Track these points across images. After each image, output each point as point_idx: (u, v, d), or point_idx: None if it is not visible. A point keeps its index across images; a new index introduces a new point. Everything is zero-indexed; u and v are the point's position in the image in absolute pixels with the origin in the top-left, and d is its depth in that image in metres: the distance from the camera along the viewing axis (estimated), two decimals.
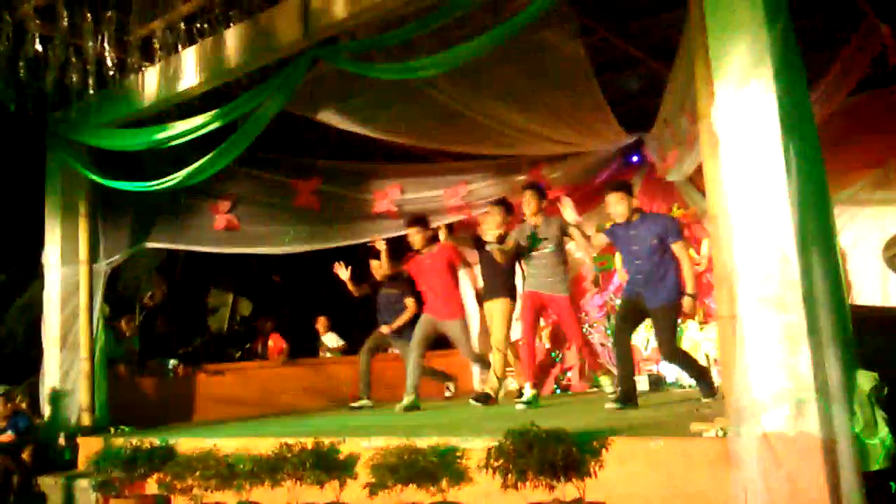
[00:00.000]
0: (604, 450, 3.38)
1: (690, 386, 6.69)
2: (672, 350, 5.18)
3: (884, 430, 2.92)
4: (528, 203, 6.01)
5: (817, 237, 3.14)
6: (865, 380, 2.99)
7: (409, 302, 7.18)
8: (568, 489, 3.37)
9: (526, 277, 6.07)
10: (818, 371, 2.95)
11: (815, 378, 2.94)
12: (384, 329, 7.22)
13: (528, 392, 5.80)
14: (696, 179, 7.37)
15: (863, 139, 7.09)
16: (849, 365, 3.02)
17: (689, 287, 5.02)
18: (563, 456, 3.30)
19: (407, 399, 6.29)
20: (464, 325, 6.66)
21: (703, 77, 3.51)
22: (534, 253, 5.94)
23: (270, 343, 9.06)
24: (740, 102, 3.30)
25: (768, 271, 3.11)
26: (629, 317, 5.26)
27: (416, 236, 6.73)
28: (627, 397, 5.04)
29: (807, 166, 3.20)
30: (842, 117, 6.68)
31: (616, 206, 5.18)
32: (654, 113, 6.66)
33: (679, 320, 5.64)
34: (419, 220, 6.87)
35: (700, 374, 5.23)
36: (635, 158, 8.38)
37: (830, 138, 6.13)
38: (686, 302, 5.01)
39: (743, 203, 3.24)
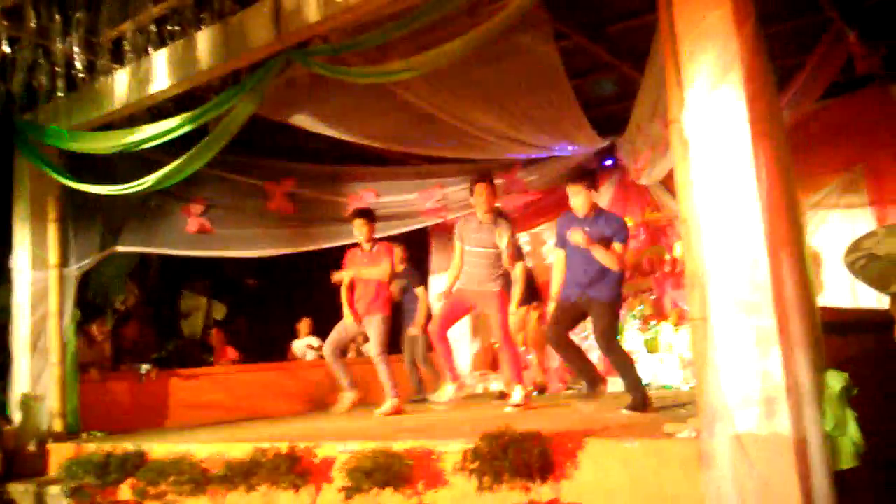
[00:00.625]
0: (579, 451, 3.42)
1: (665, 387, 6.77)
2: (609, 345, 5.01)
3: (853, 429, 2.96)
4: (480, 196, 5.92)
5: (787, 240, 3.19)
6: (836, 380, 3.04)
7: (420, 292, 7.13)
8: (543, 490, 3.40)
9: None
10: (789, 372, 2.99)
11: (785, 379, 2.98)
12: (412, 331, 7.39)
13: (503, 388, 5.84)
14: (668, 183, 7.46)
15: (832, 144, 7.22)
16: (819, 365, 3.07)
17: (613, 265, 4.91)
18: (539, 458, 3.33)
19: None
20: (384, 321, 6.41)
21: (673, 82, 3.54)
22: (471, 249, 5.94)
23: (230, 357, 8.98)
24: (710, 107, 3.34)
25: (739, 274, 3.15)
26: (567, 319, 5.08)
27: (362, 228, 6.51)
28: (594, 384, 5.09)
29: (776, 170, 3.24)
30: (811, 122, 6.81)
31: (574, 198, 5.04)
32: (626, 117, 6.72)
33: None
34: (366, 212, 6.70)
35: (632, 380, 4.98)
36: (609, 162, 8.46)
37: (800, 143, 6.23)
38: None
39: (713, 206, 3.28)
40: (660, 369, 7.03)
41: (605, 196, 8.59)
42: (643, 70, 5.74)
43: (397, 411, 6.19)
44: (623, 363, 5.05)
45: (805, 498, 2.83)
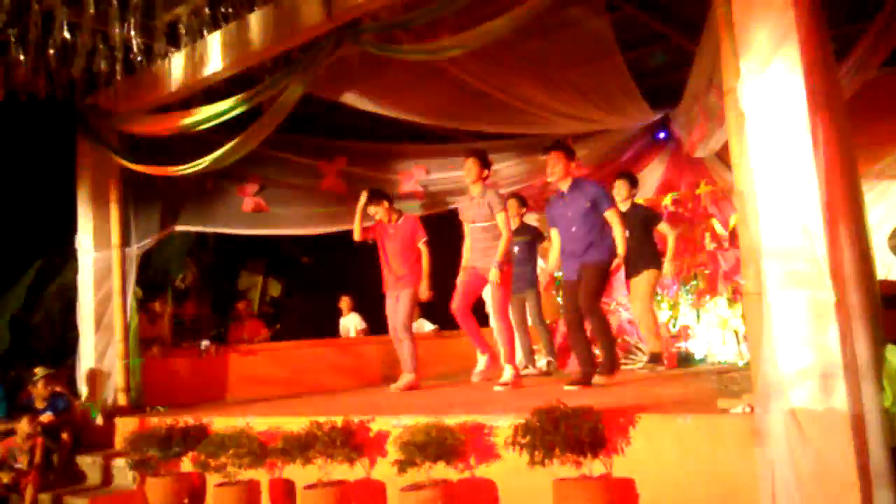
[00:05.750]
0: (631, 427, 3.41)
1: (720, 362, 6.69)
2: (592, 306, 5.15)
3: None
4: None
5: (845, 212, 3.11)
6: (894, 354, 2.97)
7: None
8: (595, 466, 3.41)
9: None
10: (846, 346, 2.93)
11: (842, 353, 2.92)
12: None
13: (508, 373, 5.78)
14: (723, 155, 7.31)
15: (894, 113, 6.98)
16: (877, 340, 3.00)
17: (620, 249, 5.11)
18: (590, 433, 3.34)
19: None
20: (413, 296, 6.42)
21: (729, 53, 3.47)
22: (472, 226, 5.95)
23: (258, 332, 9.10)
24: (766, 78, 3.26)
25: (795, 247, 3.09)
26: (576, 299, 5.19)
27: (380, 208, 6.57)
28: (586, 375, 5.12)
29: (834, 141, 3.16)
30: (872, 90, 6.58)
31: (553, 165, 5.23)
32: (681, 88, 6.60)
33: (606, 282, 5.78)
34: (379, 193, 6.72)
35: (608, 347, 5.27)
36: (662, 135, 8.34)
37: (861, 112, 6.03)
38: (616, 263, 5.13)
39: (770, 179, 3.21)
40: (714, 345, 6.94)
41: (658, 170, 8.47)
42: (696, 40, 5.62)
43: (412, 387, 6.30)
44: (602, 330, 5.24)
45: (862, 474, 2.78)
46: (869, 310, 3.01)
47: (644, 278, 6.48)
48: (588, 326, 5.32)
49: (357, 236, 6.65)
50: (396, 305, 6.48)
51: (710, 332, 7.02)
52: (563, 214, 5.27)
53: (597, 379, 5.05)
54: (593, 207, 5.13)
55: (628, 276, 6.64)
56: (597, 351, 5.56)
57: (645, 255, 6.48)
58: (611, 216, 5.14)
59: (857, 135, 3.38)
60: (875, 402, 2.90)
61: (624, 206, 6.40)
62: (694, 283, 7.58)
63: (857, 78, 6.02)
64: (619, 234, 5.12)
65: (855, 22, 5.93)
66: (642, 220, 6.54)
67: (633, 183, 6.68)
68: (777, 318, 3.10)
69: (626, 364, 6.81)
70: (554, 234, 5.42)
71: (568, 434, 3.31)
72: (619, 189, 6.53)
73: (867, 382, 2.92)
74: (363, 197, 6.65)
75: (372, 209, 6.61)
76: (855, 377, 2.91)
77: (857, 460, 2.80)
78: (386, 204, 6.63)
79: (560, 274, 5.58)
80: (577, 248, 5.18)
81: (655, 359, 6.35)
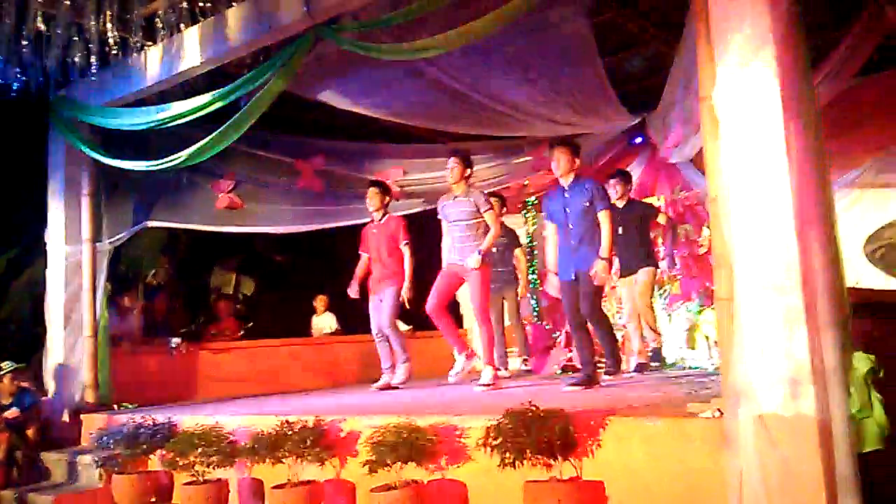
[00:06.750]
0: (601, 429, 3.42)
1: (691, 367, 6.74)
2: (593, 312, 5.22)
3: (879, 412, 2.93)
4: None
5: (817, 219, 3.13)
6: (862, 362, 3.00)
7: (518, 252, 7.42)
8: (565, 468, 3.41)
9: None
10: (815, 353, 2.95)
11: (811, 360, 2.94)
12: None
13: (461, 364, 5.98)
14: (697, 161, 7.37)
15: (868, 122, 7.09)
16: (846, 347, 3.02)
17: (604, 251, 5.10)
18: (561, 435, 3.34)
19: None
20: (396, 294, 6.44)
21: (705, 58, 3.49)
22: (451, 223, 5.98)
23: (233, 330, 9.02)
24: (742, 84, 3.28)
25: (767, 254, 3.11)
26: (577, 299, 5.24)
27: (374, 198, 6.60)
28: (590, 377, 5.20)
29: (807, 149, 3.18)
30: (848, 100, 6.67)
31: (558, 161, 5.28)
32: (658, 93, 6.64)
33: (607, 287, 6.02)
34: (379, 183, 6.80)
35: (612, 348, 5.41)
36: (639, 140, 8.39)
37: (837, 120, 6.13)
38: (598, 265, 5.05)
39: (743, 185, 3.23)
40: (685, 349, 7.00)
41: (633, 174, 8.51)
42: (675, 45, 5.66)
43: (409, 374, 6.46)
44: (605, 333, 5.35)
45: (828, 479, 2.80)
46: (838, 317, 3.03)
47: (642, 277, 6.61)
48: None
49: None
50: (380, 306, 6.50)
51: (682, 336, 7.08)
52: (562, 210, 5.30)
53: (605, 377, 5.20)
54: (590, 206, 5.19)
55: (620, 275, 6.70)
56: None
57: (640, 254, 6.62)
58: (603, 217, 5.17)
59: (830, 143, 3.41)
60: (842, 408, 2.92)
61: (621, 204, 6.58)
62: (667, 287, 7.63)
63: (833, 86, 6.09)
64: (605, 236, 5.13)
65: (832, 30, 6.00)
66: (639, 217, 6.65)
67: (627, 180, 6.85)
68: (747, 324, 3.12)
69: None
70: (550, 229, 5.43)
71: (539, 436, 3.31)
72: (614, 188, 6.67)
73: (835, 389, 2.94)
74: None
75: (371, 191, 6.61)
76: (823, 383, 2.93)
77: (823, 465, 2.82)
78: (386, 197, 6.67)
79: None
80: (572, 246, 5.22)
81: (657, 357, 6.48)
